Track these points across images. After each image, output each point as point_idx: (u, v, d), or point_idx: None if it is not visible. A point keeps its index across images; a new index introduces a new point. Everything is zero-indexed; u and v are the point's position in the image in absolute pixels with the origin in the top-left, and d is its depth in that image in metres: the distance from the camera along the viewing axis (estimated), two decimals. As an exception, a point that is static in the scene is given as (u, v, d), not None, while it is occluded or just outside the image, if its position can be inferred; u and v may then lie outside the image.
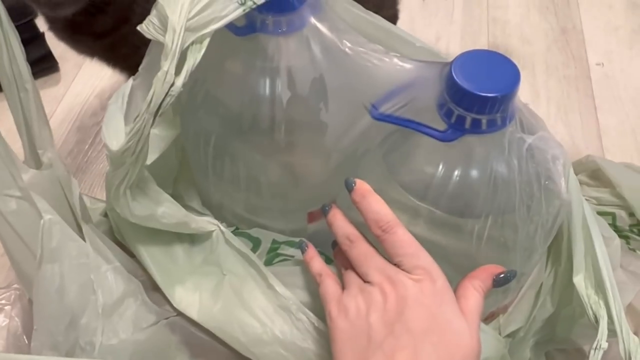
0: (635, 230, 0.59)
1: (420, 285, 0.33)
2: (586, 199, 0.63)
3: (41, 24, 0.77)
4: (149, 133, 0.35)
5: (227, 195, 0.48)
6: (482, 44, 0.90)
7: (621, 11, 0.94)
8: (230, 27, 0.40)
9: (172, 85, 0.34)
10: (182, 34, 0.35)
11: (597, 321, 0.40)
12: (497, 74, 0.34)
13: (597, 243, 0.42)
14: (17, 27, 0.41)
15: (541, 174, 0.36)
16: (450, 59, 0.36)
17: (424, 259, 0.34)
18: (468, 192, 0.36)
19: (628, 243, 0.59)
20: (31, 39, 0.80)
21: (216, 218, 0.51)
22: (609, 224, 0.60)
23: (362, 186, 0.37)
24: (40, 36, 0.81)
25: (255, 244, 0.48)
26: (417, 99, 0.37)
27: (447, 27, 0.93)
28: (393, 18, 0.72)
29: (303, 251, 0.41)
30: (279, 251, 0.48)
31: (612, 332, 0.39)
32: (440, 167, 0.37)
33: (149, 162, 0.42)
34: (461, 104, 0.34)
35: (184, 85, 0.35)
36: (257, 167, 0.44)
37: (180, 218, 0.43)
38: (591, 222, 0.43)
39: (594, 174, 0.63)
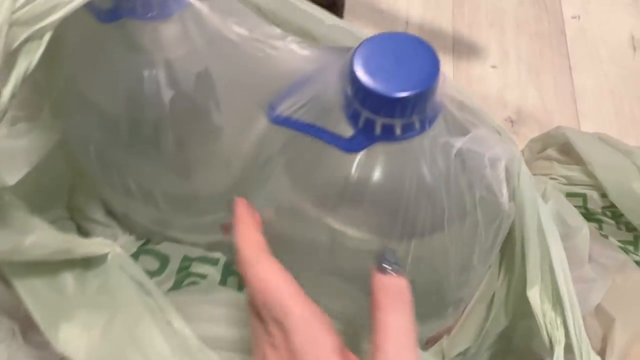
0: (608, 213, 0.53)
1: (275, 354, 0.26)
2: (554, 178, 0.56)
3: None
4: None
5: (128, 208, 0.42)
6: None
7: (600, -46, 0.85)
8: (94, 11, 0.32)
9: (-4, 98, 0.27)
10: (5, 31, 0.27)
11: (552, 347, 0.34)
12: (410, 65, 0.26)
13: (554, 251, 0.35)
14: None
15: (475, 184, 0.30)
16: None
17: (276, 302, 0.26)
18: (383, 210, 0.30)
19: (600, 228, 0.52)
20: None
21: (125, 228, 0.45)
22: (579, 206, 0.54)
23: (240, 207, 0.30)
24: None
25: (163, 262, 0.42)
26: (320, 95, 0.30)
27: (408, -19, 0.84)
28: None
29: None
30: (190, 269, 0.41)
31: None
32: (350, 180, 0.30)
33: (12, 182, 0.35)
34: (366, 105, 0.27)
35: (21, 92, 0.28)
36: (148, 179, 0.37)
37: (59, 246, 0.36)
38: (547, 225, 0.36)
39: (564, 147, 0.56)
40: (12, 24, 0.27)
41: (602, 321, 0.45)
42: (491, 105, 0.70)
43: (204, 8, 0.31)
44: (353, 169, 0.29)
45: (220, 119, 0.33)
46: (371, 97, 0.26)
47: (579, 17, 0.77)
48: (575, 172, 0.54)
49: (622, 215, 0.51)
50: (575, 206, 0.52)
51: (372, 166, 0.29)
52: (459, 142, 0.29)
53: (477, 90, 0.72)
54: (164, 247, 0.42)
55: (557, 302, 0.35)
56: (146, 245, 0.43)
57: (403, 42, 0.27)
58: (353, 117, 0.28)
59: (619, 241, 0.51)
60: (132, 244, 0.43)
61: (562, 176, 0.54)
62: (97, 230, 0.44)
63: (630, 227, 0.52)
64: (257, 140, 0.33)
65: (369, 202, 0.30)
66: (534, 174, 0.59)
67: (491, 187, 0.30)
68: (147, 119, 0.34)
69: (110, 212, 0.45)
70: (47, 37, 0.29)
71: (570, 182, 0.54)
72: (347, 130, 0.29)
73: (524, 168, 0.35)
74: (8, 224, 0.33)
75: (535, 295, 0.36)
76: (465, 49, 0.76)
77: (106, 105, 0.34)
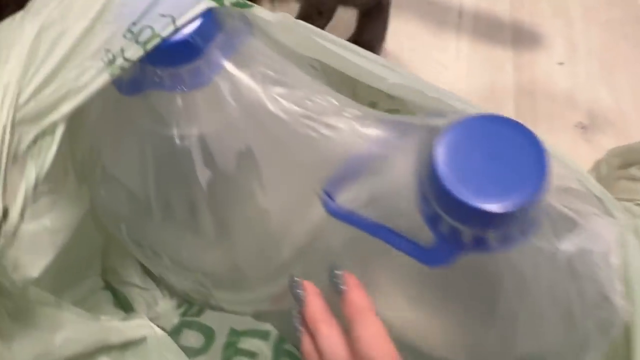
0: None
1: None
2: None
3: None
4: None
5: (164, 276, 0.37)
6: (503, -15, 0.73)
7: None
8: (115, 81, 0.28)
9: (4, 219, 0.22)
10: (8, 133, 0.22)
11: None
12: (507, 162, 0.21)
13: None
14: None
15: (585, 290, 0.24)
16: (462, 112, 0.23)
17: None
18: (475, 330, 0.24)
19: (699, 266, 0.46)
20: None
21: (164, 290, 0.41)
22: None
23: (355, 297, 0.24)
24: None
25: (208, 337, 0.37)
26: (389, 188, 0.24)
27: (459, -32, 0.76)
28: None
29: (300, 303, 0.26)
30: (238, 345, 0.37)
31: None
32: (431, 289, 0.24)
33: (36, 273, 0.31)
34: (452, 214, 0.21)
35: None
36: (187, 261, 0.32)
37: (93, 336, 0.32)
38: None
39: (651, 166, 0.49)
40: (18, 123, 0.23)
41: None
42: (559, 108, 0.63)
43: (243, 75, 0.26)
44: (435, 277, 0.24)
45: (267, 201, 0.28)
46: (458, 207, 0.21)
47: (657, 0, 0.68)
48: (666, 199, 0.47)
49: None
50: (669, 240, 0.46)
51: (459, 276, 0.23)
52: (566, 244, 0.23)
53: (542, 91, 0.64)
54: (208, 319, 0.38)
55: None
56: (188, 314, 0.39)
57: (498, 128, 0.22)
58: (433, 221, 0.22)
59: None
60: (173, 311, 0.39)
61: (650, 202, 0.47)
62: (135, 293, 0.41)
63: None
64: (313, 227, 0.28)
65: (457, 316, 0.24)
66: (616, 198, 0.52)
67: (603, 289, 0.24)
68: (182, 200, 0.29)
69: (147, 273, 0.41)
70: (60, 132, 0.24)
71: (661, 210, 0.47)
72: (424, 232, 0.23)
73: (632, 241, 0.29)
74: (35, 324, 0.30)
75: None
76: (526, 42, 0.68)
77: (134, 183, 0.30)
